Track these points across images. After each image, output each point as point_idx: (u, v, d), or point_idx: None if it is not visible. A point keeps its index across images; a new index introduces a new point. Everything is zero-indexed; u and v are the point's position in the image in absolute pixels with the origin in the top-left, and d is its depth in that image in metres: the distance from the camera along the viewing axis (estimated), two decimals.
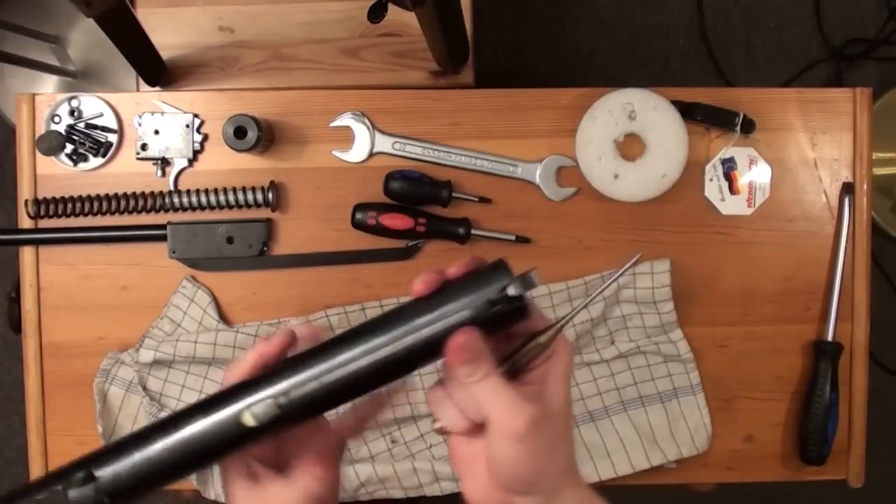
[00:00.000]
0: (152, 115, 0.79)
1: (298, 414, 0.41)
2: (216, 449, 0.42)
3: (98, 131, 0.80)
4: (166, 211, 0.79)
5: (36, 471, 0.81)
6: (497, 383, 0.40)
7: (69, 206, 0.79)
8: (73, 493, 0.40)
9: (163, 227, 0.79)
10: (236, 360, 0.45)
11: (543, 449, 0.40)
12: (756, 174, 0.80)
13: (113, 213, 0.79)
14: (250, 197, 0.79)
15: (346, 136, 0.80)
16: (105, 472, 0.40)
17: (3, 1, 1.51)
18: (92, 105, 0.80)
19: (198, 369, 0.79)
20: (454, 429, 0.42)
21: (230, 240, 0.79)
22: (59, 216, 0.79)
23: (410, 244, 0.80)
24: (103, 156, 0.80)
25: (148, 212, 0.79)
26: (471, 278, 0.41)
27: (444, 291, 0.41)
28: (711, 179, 0.80)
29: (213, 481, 0.79)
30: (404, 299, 0.78)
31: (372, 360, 0.41)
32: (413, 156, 0.80)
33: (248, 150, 0.75)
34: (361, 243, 0.80)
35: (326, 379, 0.41)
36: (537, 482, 0.41)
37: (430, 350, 0.41)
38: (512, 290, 0.40)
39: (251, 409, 0.41)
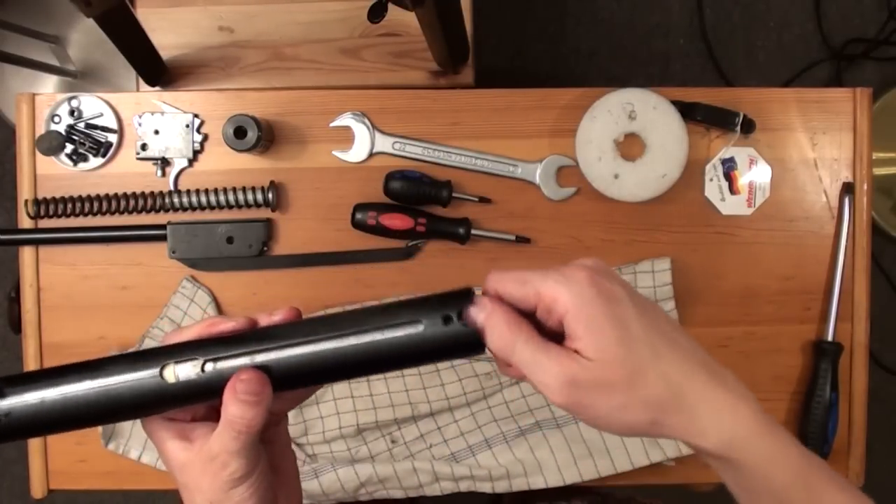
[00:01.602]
0: (152, 115, 0.79)
1: (218, 384, 0.40)
2: (133, 400, 0.40)
3: (98, 131, 0.80)
4: (166, 211, 0.79)
5: (36, 469, 0.81)
6: (530, 350, 0.39)
7: (69, 206, 0.79)
8: None
9: (163, 227, 0.79)
10: (180, 329, 0.43)
11: (596, 401, 0.39)
12: (756, 174, 0.80)
13: (113, 213, 0.79)
14: (250, 197, 0.79)
15: (346, 136, 0.80)
16: (15, 391, 0.39)
17: (3, 1, 1.51)
18: (92, 105, 0.80)
19: None
20: None
21: (230, 240, 0.79)
22: (59, 216, 0.79)
23: (410, 244, 0.80)
24: (103, 156, 0.80)
25: (148, 212, 0.79)
26: (434, 298, 0.40)
27: (404, 304, 0.40)
28: (711, 179, 0.80)
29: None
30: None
31: (312, 354, 0.39)
32: (413, 156, 0.80)
33: (248, 150, 0.75)
34: (361, 243, 0.80)
35: (257, 359, 0.40)
36: (619, 424, 0.40)
37: (374, 353, 0.40)
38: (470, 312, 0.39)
39: (176, 365, 0.40)
